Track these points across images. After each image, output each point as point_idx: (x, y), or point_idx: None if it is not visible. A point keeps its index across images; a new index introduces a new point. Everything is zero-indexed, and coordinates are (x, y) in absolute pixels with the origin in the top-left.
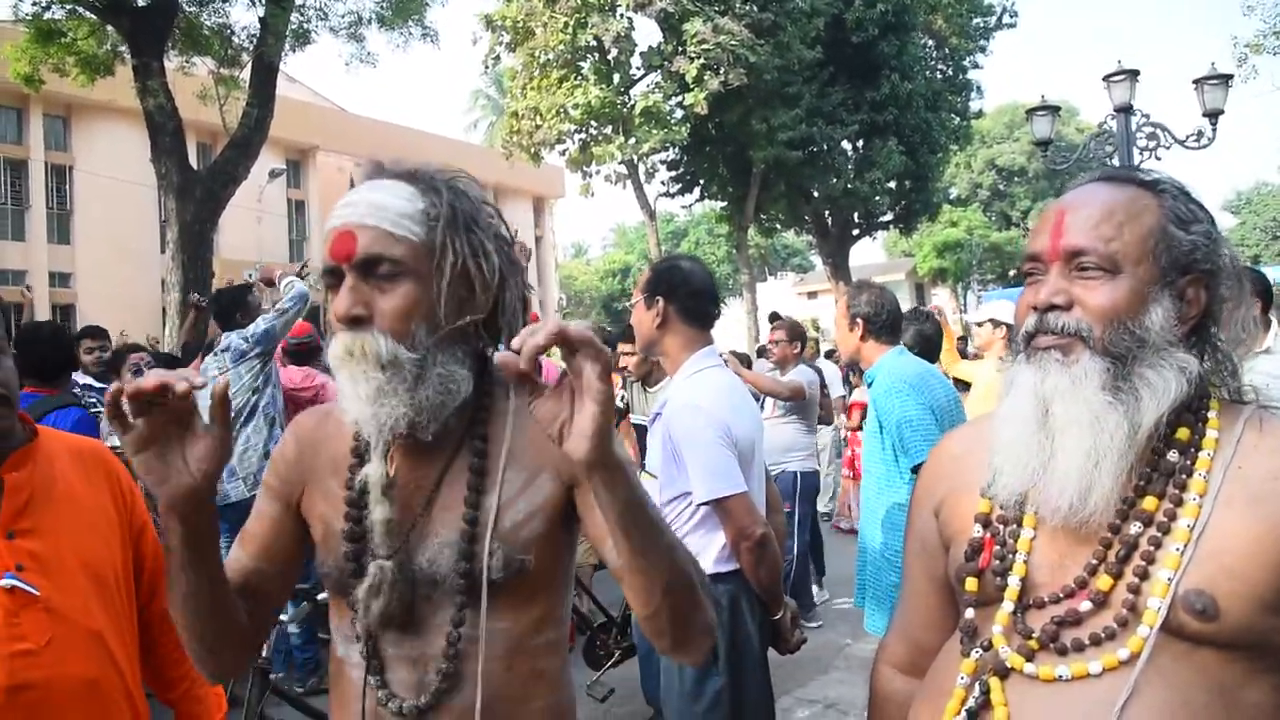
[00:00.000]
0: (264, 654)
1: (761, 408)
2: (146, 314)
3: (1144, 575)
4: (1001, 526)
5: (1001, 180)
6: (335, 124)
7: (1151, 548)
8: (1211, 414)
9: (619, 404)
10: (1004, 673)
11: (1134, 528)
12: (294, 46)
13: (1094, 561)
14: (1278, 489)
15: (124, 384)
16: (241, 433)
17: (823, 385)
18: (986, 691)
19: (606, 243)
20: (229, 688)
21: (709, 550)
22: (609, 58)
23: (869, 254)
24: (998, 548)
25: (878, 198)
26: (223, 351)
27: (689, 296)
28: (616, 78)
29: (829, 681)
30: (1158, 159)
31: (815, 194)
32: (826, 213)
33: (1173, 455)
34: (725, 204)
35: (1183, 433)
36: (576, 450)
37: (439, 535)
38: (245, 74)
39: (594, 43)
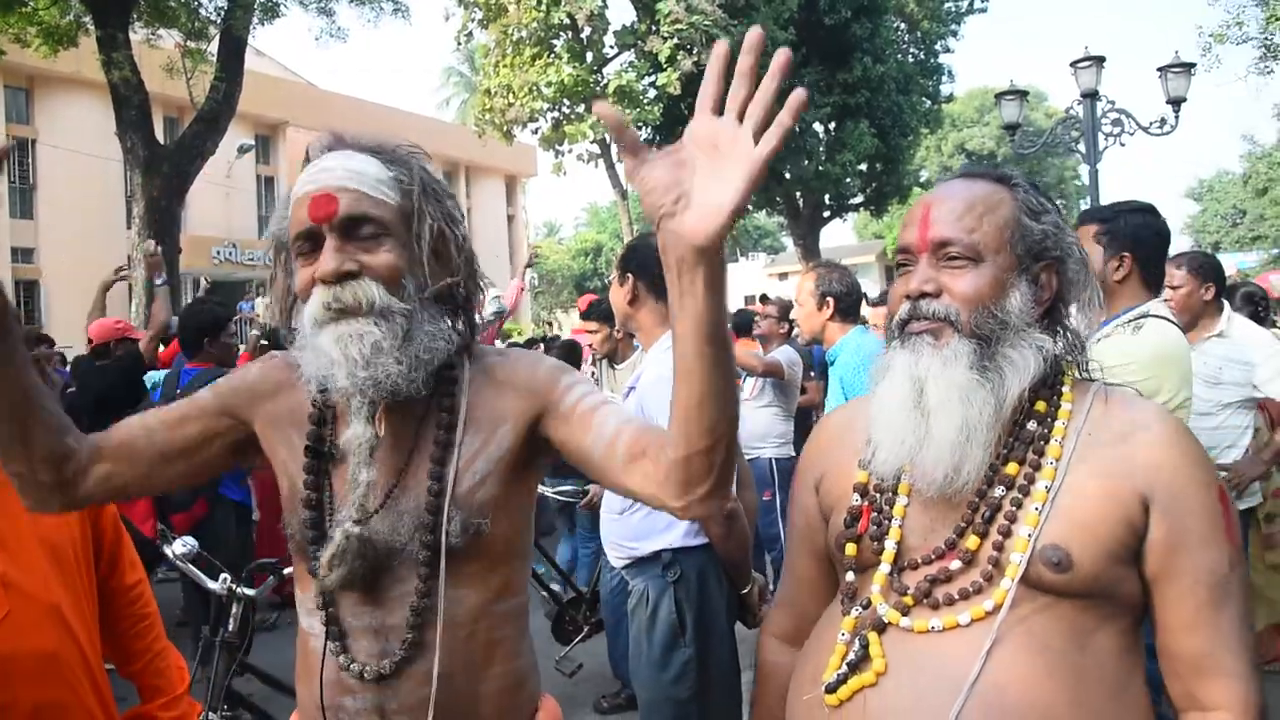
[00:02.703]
0: (231, 628)
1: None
2: (112, 290)
3: (1007, 533)
4: (878, 495)
5: (971, 164)
6: (305, 99)
7: (1014, 508)
8: (1065, 389)
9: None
10: (881, 627)
11: (998, 491)
12: (262, 20)
13: (962, 524)
14: (1121, 453)
15: None
16: None
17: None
18: (866, 645)
19: (579, 222)
20: (193, 668)
21: (678, 524)
22: (582, 36)
23: (840, 236)
24: (875, 514)
25: (849, 180)
26: None
27: (658, 273)
28: (589, 56)
29: None
30: (1121, 145)
31: (787, 175)
32: (798, 194)
33: (1032, 425)
34: None
35: (1040, 405)
36: (701, 226)
37: (399, 503)
38: (213, 47)
39: (567, 21)
